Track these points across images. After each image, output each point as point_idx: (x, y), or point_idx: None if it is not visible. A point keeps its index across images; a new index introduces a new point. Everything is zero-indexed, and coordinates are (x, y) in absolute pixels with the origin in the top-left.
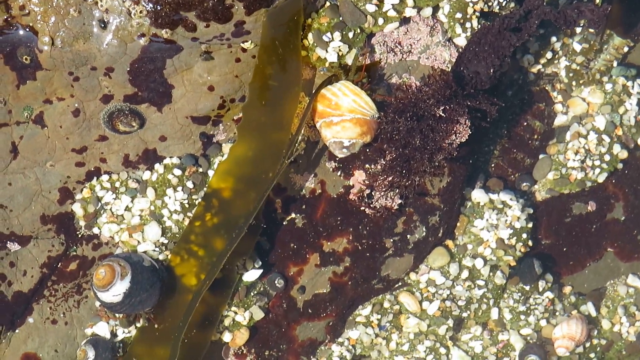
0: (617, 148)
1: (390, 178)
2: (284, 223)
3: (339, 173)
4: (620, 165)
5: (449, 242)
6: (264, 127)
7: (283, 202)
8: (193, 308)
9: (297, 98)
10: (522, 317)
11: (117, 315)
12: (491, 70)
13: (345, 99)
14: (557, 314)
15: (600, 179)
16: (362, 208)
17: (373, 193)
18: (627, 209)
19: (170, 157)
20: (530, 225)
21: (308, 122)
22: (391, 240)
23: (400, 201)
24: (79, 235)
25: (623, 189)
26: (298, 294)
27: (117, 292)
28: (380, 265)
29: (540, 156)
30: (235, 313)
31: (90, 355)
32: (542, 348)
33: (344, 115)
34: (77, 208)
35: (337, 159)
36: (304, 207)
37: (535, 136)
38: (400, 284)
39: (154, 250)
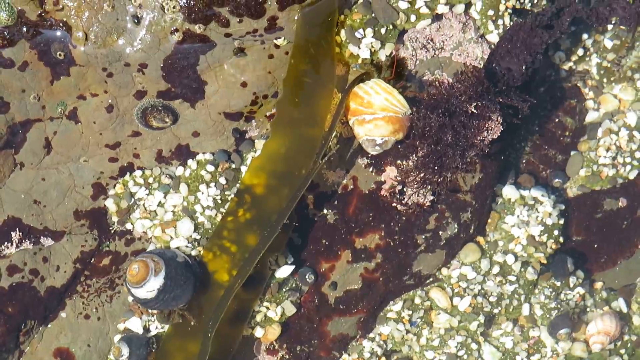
0: None
1: (422, 174)
2: (316, 219)
3: (370, 169)
4: None
5: (480, 239)
6: (297, 123)
7: (315, 198)
8: (225, 305)
9: (331, 95)
10: (554, 313)
11: (150, 311)
12: (523, 67)
13: (377, 97)
14: (588, 310)
15: (632, 176)
16: (394, 204)
17: (405, 189)
18: None
19: (203, 153)
20: (561, 221)
21: (341, 119)
22: (423, 236)
23: (432, 198)
24: (112, 231)
25: None
26: (330, 289)
27: (151, 288)
28: (411, 261)
29: (572, 153)
30: (268, 309)
31: (125, 353)
32: (571, 319)
33: (376, 114)
34: (110, 203)
35: (369, 155)
36: (336, 203)
37: (567, 133)
38: (431, 279)
39: (187, 246)
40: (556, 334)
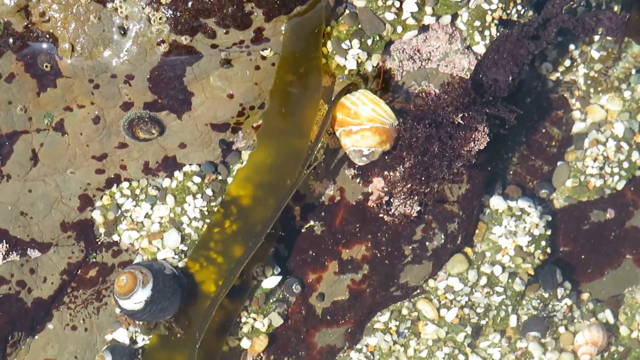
0: (635, 155)
1: (409, 185)
2: (303, 230)
3: (358, 180)
4: (638, 173)
5: (468, 249)
6: (283, 134)
7: (302, 209)
8: (210, 315)
9: (317, 105)
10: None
11: (137, 322)
12: (510, 78)
13: (364, 108)
14: (575, 321)
15: (619, 186)
16: (381, 215)
17: (392, 200)
18: None
19: (190, 165)
20: (548, 232)
21: (327, 129)
22: (410, 247)
23: (419, 208)
24: (99, 242)
25: None
26: (317, 300)
27: (138, 299)
28: (398, 273)
29: (559, 163)
30: (255, 320)
31: None
32: (542, 322)
33: (363, 124)
34: (97, 215)
35: (356, 166)
36: (323, 214)
37: (554, 143)
38: (418, 291)
39: (174, 257)
40: (525, 334)
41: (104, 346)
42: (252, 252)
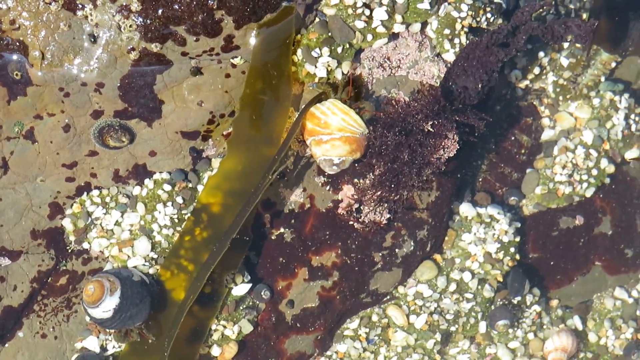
0: (604, 162)
1: (379, 192)
2: (273, 237)
3: (328, 188)
4: (607, 180)
5: (437, 256)
6: (253, 142)
7: (272, 217)
8: (179, 322)
9: (287, 113)
10: (510, 330)
11: (108, 330)
12: (479, 86)
13: (334, 118)
14: (544, 327)
15: (588, 194)
16: (351, 222)
17: (362, 207)
18: (614, 223)
19: (160, 172)
20: (517, 239)
21: (298, 137)
22: (380, 254)
23: (388, 216)
24: (69, 250)
25: (610, 203)
26: (287, 308)
27: (107, 307)
28: (368, 280)
29: (528, 170)
30: (224, 327)
31: None
32: (510, 311)
33: (333, 134)
34: (67, 223)
35: (327, 174)
36: (292, 221)
37: (523, 150)
38: (388, 297)
39: (144, 265)
40: (494, 325)
41: (74, 354)
42: (218, 257)
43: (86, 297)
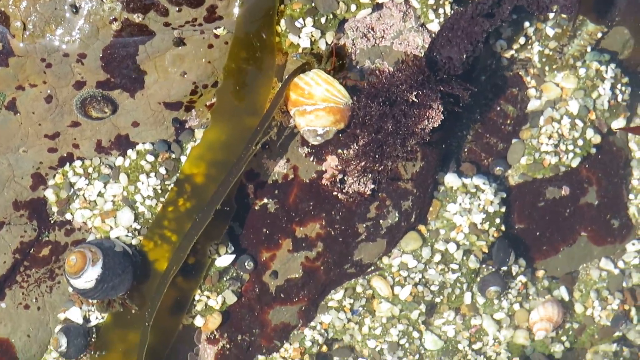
0: (590, 133)
1: (362, 163)
2: (257, 208)
3: (311, 158)
4: (593, 150)
5: (422, 227)
6: (237, 112)
7: (255, 188)
8: (162, 292)
9: (270, 83)
10: (495, 301)
11: (90, 300)
12: (464, 56)
13: (318, 88)
14: (530, 298)
15: (574, 164)
16: (335, 193)
17: (346, 178)
18: (600, 193)
19: (143, 143)
20: (503, 209)
21: (281, 108)
22: (364, 225)
23: (373, 186)
24: (52, 221)
25: (596, 173)
26: (270, 278)
27: (89, 278)
28: (352, 250)
29: (514, 141)
30: (208, 298)
31: (63, 343)
32: (501, 278)
33: (317, 104)
34: (49, 194)
35: (310, 144)
36: (276, 192)
37: (509, 121)
38: (372, 268)
39: (127, 236)
40: (485, 291)
41: (57, 325)
42: (202, 227)
43: (68, 267)
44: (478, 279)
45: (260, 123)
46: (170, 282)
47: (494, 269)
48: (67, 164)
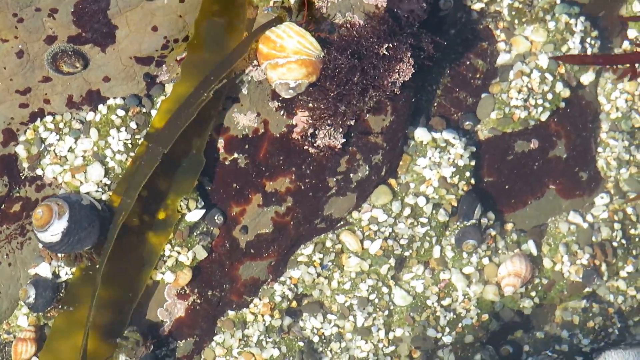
0: (559, 86)
1: (332, 117)
2: (227, 163)
3: (282, 112)
4: (562, 104)
5: (392, 181)
6: (207, 66)
7: (225, 142)
8: (112, 236)
9: (241, 37)
10: (465, 255)
11: (58, 255)
12: (424, 5)
13: (290, 41)
14: (499, 252)
15: (543, 118)
16: (306, 147)
17: (316, 132)
18: (569, 146)
19: (114, 98)
20: (472, 163)
21: (252, 61)
22: (334, 179)
23: (343, 140)
24: (23, 177)
25: (565, 126)
26: (241, 234)
27: (55, 231)
28: (323, 205)
29: (483, 95)
30: (179, 253)
31: (31, 294)
32: (479, 232)
33: (289, 57)
34: (20, 150)
35: (280, 98)
36: (246, 146)
37: (478, 75)
38: (342, 223)
39: (97, 191)
40: (462, 244)
41: (27, 280)
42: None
43: (35, 221)
44: (447, 233)
45: (215, 69)
46: (140, 236)
47: (467, 223)
48: (38, 119)
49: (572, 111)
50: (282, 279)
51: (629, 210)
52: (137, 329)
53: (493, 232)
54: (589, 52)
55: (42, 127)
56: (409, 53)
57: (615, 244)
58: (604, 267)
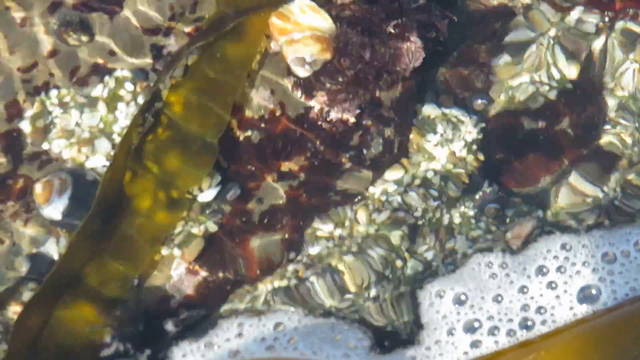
0: (569, 64)
1: (348, 94)
2: (241, 140)
3: (299, 93)
4: (569, 86)
5: (404, 160)
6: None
7: (239, 121)
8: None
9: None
10: (473, 221)
11: (62, 230)
12: None
13: (304, 17)
14: (507, 221)
15: (552, 96)
16: (319, 123)
17: (331, 110)
18: (576, 123)
19: (122, 70)
20: (481, 137)
21: (267, 34)
22: (347, 155)
23: (358, 111)
24: (28, 152)
25: (573, 104)
26: (254, 207)
27: (57, 207)
28: (336, 181)
29: (493, 72)
30: (191, 228)
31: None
32: (501, 198)
33: (304, 32)
34: (25, 125)
35: (297, 77)
36: (263, 125)
37: (488, 52)
38: (359, 198)
39: (103, 167)
40: (485, 208)
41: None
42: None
43: (36, 197)
44: (458, 206)
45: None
46: (150, 215)
47: (492, 190)
48: (43, 93)
49: (579, 90)
50: (299, 257)
51: None
52: None
53: (498, 207)
54: None
55: (48, 101)
56: (415, 31)
57: None
58: None
